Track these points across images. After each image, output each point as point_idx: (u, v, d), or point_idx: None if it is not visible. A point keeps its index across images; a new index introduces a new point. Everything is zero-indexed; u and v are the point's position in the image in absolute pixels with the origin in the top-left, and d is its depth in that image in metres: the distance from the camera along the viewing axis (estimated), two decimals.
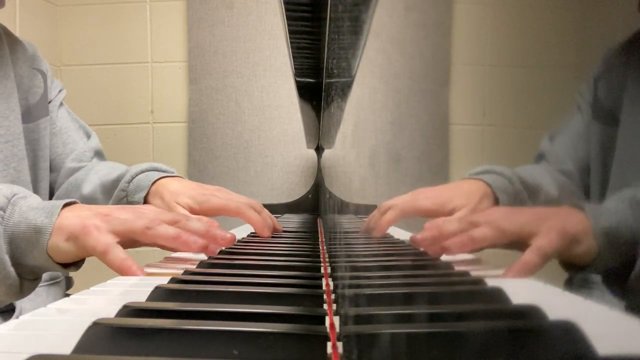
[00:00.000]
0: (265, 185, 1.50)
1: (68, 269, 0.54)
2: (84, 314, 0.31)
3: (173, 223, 0.54)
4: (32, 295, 0.76)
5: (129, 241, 0.53)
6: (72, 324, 0.30)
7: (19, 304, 0.73)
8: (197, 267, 0.46)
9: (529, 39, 1.62)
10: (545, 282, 0.43)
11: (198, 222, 0.55)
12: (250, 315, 0.28)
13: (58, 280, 0.83)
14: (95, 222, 0.51)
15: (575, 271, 0.54)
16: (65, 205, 0.53)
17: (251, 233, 0.76)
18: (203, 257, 0.54)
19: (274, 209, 1.35)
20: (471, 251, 0.54)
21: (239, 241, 0.65)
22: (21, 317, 0.31)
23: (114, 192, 0.76)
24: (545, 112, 1.61)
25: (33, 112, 0.82)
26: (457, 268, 0.46)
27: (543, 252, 0.48)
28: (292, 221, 1.08)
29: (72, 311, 0.34)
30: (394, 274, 0.43)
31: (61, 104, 0.89)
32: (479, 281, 0.39)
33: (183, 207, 0.72)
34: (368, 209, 1.03)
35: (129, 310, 0.29)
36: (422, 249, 0.55)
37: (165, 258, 0.57)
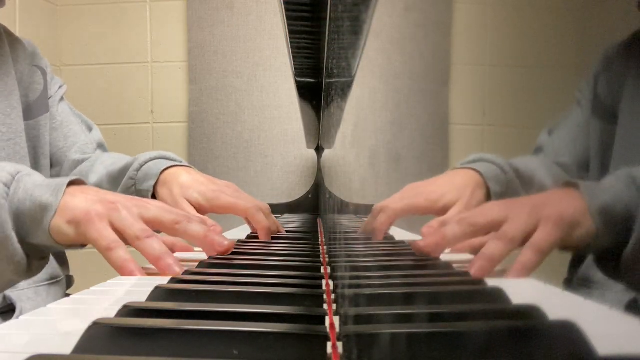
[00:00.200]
0: (265, 185, 1.50)
1: (72, 248, 0.54)
2: (84, 314, 0.31)
3: (174, 224, 0.53)
4: (32, 295, 0.76)
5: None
6: (72, 324, 0.30)
7: (19, 304, 0.73)
8: (197, 267, 0.46)
9: (529, 39, 1.62)
10: (545, 282, 0.43)
11: (198, 226, 0.54)
12: (250, 315, 0.28)
13: (58, 279, 0.83)
14: (98, 210, 0.50)
15: (574, 252, 0.53)
16: (71, 183, 0.52)
17: (251, 233, 0.76)
18: (203, 256, 0.54)
19: (274, 209, 1.34)
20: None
21: (239, 241, 0.65)
22: (21, 317, 0.31)
23: (122, 181, 0.76)
24: (545, 112, 1.61)
25: (33, 109, 0.82)
26: (457, 268, 0.46)
27: (540, 248, 0.47)
28: (292, 221, 1.08)
29: (72, 311, 0.34)
30: (394, 274, 0.43)
31: (62, 99, 0.89)
32: (479, 281, 0.39)
33: (192, 202, 0.72)
34: (368, 209, 1.03)
35: (129, 310, 0.29)
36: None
37: None
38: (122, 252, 0.49)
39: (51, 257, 0.81)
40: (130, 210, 0.51)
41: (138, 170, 0.75)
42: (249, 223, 0.81)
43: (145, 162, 0.76)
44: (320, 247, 0.64)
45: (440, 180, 0.73)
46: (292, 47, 0.60)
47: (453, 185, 0.70)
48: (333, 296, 0.37)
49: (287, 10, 0.50)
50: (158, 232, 0.53)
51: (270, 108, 1.51)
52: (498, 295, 0.33)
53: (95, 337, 0.24)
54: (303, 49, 0.61)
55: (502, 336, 0.23)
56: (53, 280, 0.81)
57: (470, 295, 0.35)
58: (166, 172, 0.75)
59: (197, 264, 0.48)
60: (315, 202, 1.34)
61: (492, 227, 0.49)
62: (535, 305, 0.28)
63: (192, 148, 1.57)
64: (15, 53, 0.80)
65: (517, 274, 0.46)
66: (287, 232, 0.80)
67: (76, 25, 1.62)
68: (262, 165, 1.51)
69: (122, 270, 0.48)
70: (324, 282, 0.41)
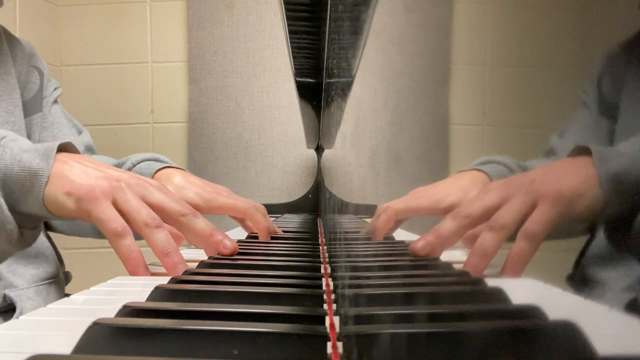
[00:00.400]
0: (265, 185, 1.50)
1: (63, 218, 0.52)
2: (84, 314, 0.31)
3: (179, 216, 0.51)
4: (32, 295, 0.76)
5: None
6: (72, 324, 0.30)
7: (19, 303, 0.73)
8: (197, 267, 0.46)
9: (529, 39, 1.62)
10: (546, 279, 0.42)
11: (203, 222, 0.52)
12: (250, 315, 0.28)
13: (58, 277, 0.83)
14: (102, 187, 0.48)
15: (577, 224, 0.50)
16: (62, 149, 0.50)
17: (251, 233, 0.76)
18: (203, 256, 0.54)
19: (274, 209, 1.35)
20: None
21: (239, 241, 0.65)
22: (21, 317, 0.31)
23: None
24: (545, 112, 1.61)
25: (27, 108, 0.83)
26: (457, 268, 0.46)
27: (533, 234, 0.44)
28: (292, 221, 1.08)
29: (72, 311, 0.34)
30: (394, 274, 0.43)
31: (55, 101, 0.89)
32: (479, 281, 0.39)
33: (188, 203, 0.71)
34: (368, 209, 1.03)
35: (129, 310, 0.29)
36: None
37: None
38: (130, 242, 0.47)
39: (51, 257, 0.81)
40: (135, 191, 0.49)
41: (130, 169, 0.75)
42: (244, 225, 0.81)
43: (138, 163, 0.76)
44: (320, 247, 0.64)
45: (446, 182, 0.73)
46: (292, 47, 0.60)
47: (458, 186, 0.69)
48: (333, 296, 0.37)
49: (287, 10, 0.50)
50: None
51: (270, 108, 1.51)
52: (498, 295, 0.33)
53: (95, 337, 0.24)
54: (303, 49, 0.61)
55: (502, 336, 0.23)
56: (53, 278, 0.81)
57: (470, 295, 0.35)
58: (159, 172, 0.74)
59: (197, 264, 0.48)
60: (315, 202, 1.34)
61: (489, 215, 0.47)
62: (535, 305, 0.28)
63: (192, 148, 1.57)
64: (13, 52, 0.81)
65: (511, 267, 0.44)
66: (287, 232, 0.80)
67: (76, 25, 1.62)
68: (262, 165, 1.51)
69: (127, 262, 0.47)
70: (324, 282, 0.41)
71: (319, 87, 0.76)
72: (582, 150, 0.50)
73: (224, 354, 0.24)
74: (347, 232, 0.71)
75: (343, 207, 0.86)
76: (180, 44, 1.60)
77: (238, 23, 1.52)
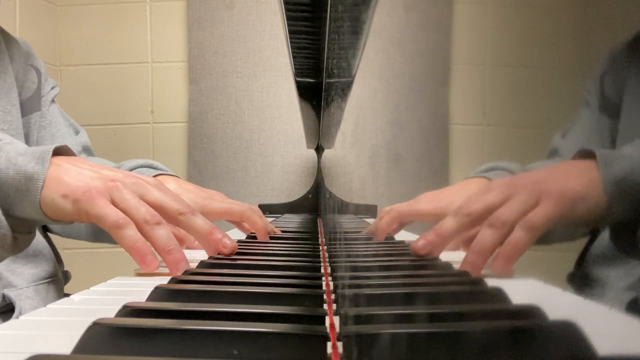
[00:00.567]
0: (265, 185, 1.50)
1: (60, 223, 0.51)
2: (84, 314, 0.31)
3: (178, 214, 0.51)
4: (31, 294, 0.76)
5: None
6: (72, 324, 0.30)
7: (19, 303, 0.73)
8: (197, 267, 0.46)
9: (529, 39, 1.62)
10: (548, 276, 0.42)
11: (202, 221, 0.52)
12: (250, 315, 0.28)
13: (57, 277, 0.83)
14: (98, 187, 0.47)
15: (579, 227, 0.49)
16: (58, 152, 0.50)
17: (251, 233, 0.76)
18: (204, 256, 0.54)
19: (274, 209, 1.35)
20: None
21: (238, 241, 0.65)
22: (21, 317, 0.31)
23: None
24: (545, 112, 1.61)
25: (25, 107, 0.83)
26: (457, 268, 0.46)
27: (532, 225, 0.43)
28: (292, 221, 1.08)
29: (72, 311, 0.34)
30: (394, 274, 0.43)
31: (53, 100, 0.89)
32: (479, 281, 0.39)
33: None
34: (368, 209, 1.03)
35: (129, 310, 0.29)
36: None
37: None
38: (133, 232, 0.46)
39: (49, 256, 0.81)
40: (132, 190, 0.49)
41: None
42: (241, 228, 0.81)
43: (131, 170, 0.76)
44: (320, 247, 0.64)
45: (452, 188, 0.73)
46: (292, 47, 0.60)
47: (464, 192, 0.69)
48: (333, 296, 0.37)
49: (287, 10, 0.50)
50: None
51: (270, 108, 1.51)
52: (498, 295, 0.33)
53: (95, 337, 0.24)
54: (303, 49, 0.61)
55: (502, 336, 0.23)
56: (51, 277, 0.81)
57: (470, 295, 0.35)
58: None
59: (197, 264, 0.48)
60: (315, 202, 1.34)
61: (491, 214, 0.46)
62: (535, 305, 0.28)
63: (192, 148, 1.57)
64: (10, 51, 0.81)
65: (504, 257, 0.44)
66: (287, 232, 0.80)
67: (76, 25, 1.62)
68: (262, 165, 1.51)
69: (133, 252, 0.46)
70: (324, 282, 0.41)
71: (319, 87, 0.76)
72: (586, 154, 0.50)
73: (224, 354, 0.24)
74: (347, 232, 0.71)
75: (343, 207, 0.86)
76: (180, 44, 1.60)
77: (238, 23, 1.52)
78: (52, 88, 0.90)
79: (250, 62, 1.52)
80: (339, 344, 0.26)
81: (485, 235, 0.45)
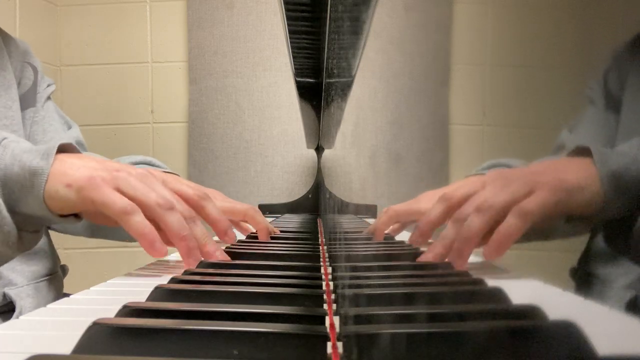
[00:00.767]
0: (265, 185, 1.50)
1: (67, 221, 0.51)
2: (84, 314, 0.31)
3: (195, 197, 0.50)
4: (31, 292, 0.76)
5: None
6: (72, 324, 0.30)
7: (19, 302, 0.73)
8: (197, 267, 0.46)
9: (529, 39, 1.62)
10: (545, 280, 0.42)
11: (199, 228, 0.50)
12: (250, 315, 0.28)
13: (56, 272, 0.83)
14: (102, 175, 0.46)
15: (576, 222, 0.49)
16: (62, 150, 0.50)
17: (251, 233, 0.77)
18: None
19: (274, 209, 1.35)
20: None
21: (238, 241, 0.65)
22: (21, 317, 0.31)
23: None
24: (545, 112, 1.61)
25: (21, 103, 0.83)
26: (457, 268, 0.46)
27: (525, 212, 0.43)
28: (292, 221, 1.08)
29: (72, 311, 0.34)
30: (394, 274, 0.43)
31: (49, 97, 0.90)
32: (479, 281, 0.39)
33: None
34: (368, 209, 1.03)
35: (129, 310, 0.29)
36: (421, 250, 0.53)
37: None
38: (140, 217, 0.45)
39: (49, 252, 0.81)
40: (138, 178, 0.48)
41: None
42: (239, 227, 0.81)
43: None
44: (320, 247, 0.64)
45: (451, 186, 0.73)
46: (292, 47, 0.60)
47: None
48: (333, 296, 0.37)
49: (287, 10, 0.50)
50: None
51: (270, 108, 1.51)
52: (498, 295, 0.33)
53: (95, 337, 0.24)
54: (303, 49, 0.61)
55: (502, 336, 0.23)
56: (51, 274, 0.81)
57: (470, 295, 0.35)
58: None
59: (196, 264, 0.48)
60: (315, 202, 1.34)
61: (479, 199, 0.46)
62: (535, 305, 0.28)
63: (192, 148, 1.57)
64: (8, 49, 0.82)
65: (497, 241, 0.43)
66: (287, 232, 0.80)
67: (76, 25, 1.62)
68: (262, 165, 1.51)
69: (142, 238, 0.45)
70: (324, 282, 0.41)
71: (319, 87, 0.76)
72: (582, 151, 0.50)
73: (224, 354, 0.24)
74: (347, 232, 0.71)
75: (343, 207, 0.86)
76: (180, 44, 1.60)
77: (238, 23, 1.52)
78: (48, 86, 0.90)
79: (250, 62, 1.52)
80: (339, 344, 0.26)
81: (473, 220, 0.44)
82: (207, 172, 1.53)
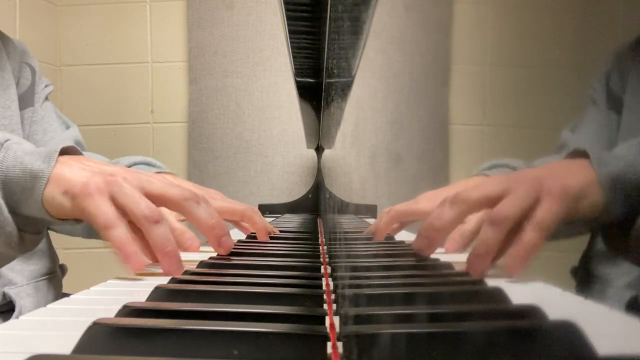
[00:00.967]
0: (265, 185, 1.50)
1: (66, 223, 0.51)
2: (84, 314, 0.31)
3: (182, 201, 0.49)
4: (31, 291, 0.76)
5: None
6: (72, 324, 0.30)
7: (19, 301, 0.73)
8: (197, 267, 0.46)
9: (529, 39, 1.62)
10: (546, 279, 0.42)
11: (206, 211, 0.50)
12: (250, 315, 0.28)
13: (55, 272, 0.83)
14: (97, 182, 0.46)
15: (580, 226, 0.49)
16: (65, 152, 0.50)
17: (251, 233, 0.77)
18: (204, 256, 0.54)
19: (274, 209, 1.35)
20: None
21: (239, 241, 0.65)
22: (21, 317, 0.31)
23: None
24: (545, 112, 1.61)
25: (20, 103, 0.83)
26: (458, 268, 0.46)
27: (544, 226, 0.43)
28: (292, 221, 1.08)
29: (72, 311, 0.34)
30: (394, 274, 0.43)
31: (47, 98, 0.90)
32: (479, 281, 0.39)
33: None
34: (368, 209, 1.03)
35: (129, 310, 0.29)
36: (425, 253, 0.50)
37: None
38: (121, 231, 0.45)
39: (48, 252, 0.81)
40: (133, 184, 0.48)
41: None
42: (240, 227, 0.81)
43: (129, 167, 0.76)
44: (320, 247, 0.64)
45: (452, 187, 0.72)
46: (292, 47, 0.60)
47: None
48: (333, 296, 0.37)
49: (287, 10, 0.50)
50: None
51: (270, 108, 1.51)
52: (498, 295, 0.33)
53: (95, 337, 0.24)
54: (303, 49, 0.61)
55: (502, 336, 0.23)
56: (51, 274, 0.81)
57: (470, 295, 0.35)
58: None
59: (197, 264, 0.48)
60: (315, 202, 1.34)
61: (487, 203, 0.45)
62: (535, 305, 0.28)
63: (192, 148, 1.57)
64: (7, 49, 0.82)
65: (522, 255, 0.43)
66: (287, 232, 0.80)
67: (76, 25, 1.62)
68: (262, 165, 1.51)
69: (120, 251, 0.45)
70: (324, 282, 0.41)
71: (319, 87, 0.76)
72: (579, 153, 0.50)
73: (224, 354, 0.24)
74: (347, 232, 0.71)
75: (343, 207, 0.86)
76: (180, 44, 1.60)
77: (238, 23, 1.52)
78: (46, 86, 0.90)
79: (250, 62, 1.52)
80: (339, 344, 0.26)
81: (488, 233, 0.44)
82: (207, 172, 1.53)
